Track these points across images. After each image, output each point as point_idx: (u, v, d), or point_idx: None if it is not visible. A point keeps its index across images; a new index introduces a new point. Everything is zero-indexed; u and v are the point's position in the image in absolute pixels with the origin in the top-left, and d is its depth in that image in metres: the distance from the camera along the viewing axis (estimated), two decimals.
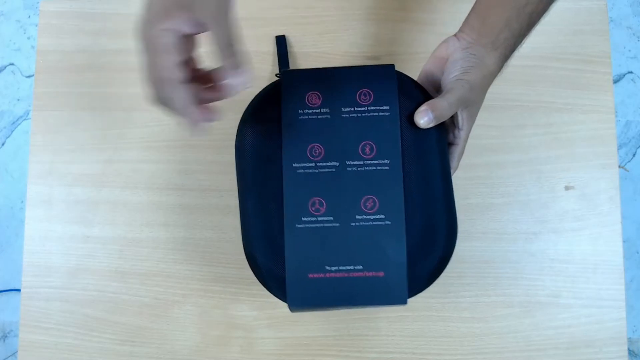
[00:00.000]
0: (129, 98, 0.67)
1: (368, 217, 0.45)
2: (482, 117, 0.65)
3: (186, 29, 0.36)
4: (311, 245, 0.45)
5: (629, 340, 1.32)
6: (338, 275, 0.45)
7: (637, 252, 1.34)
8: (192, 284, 0.64)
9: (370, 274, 0.45)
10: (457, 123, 0.48)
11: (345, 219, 0.45)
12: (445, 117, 0.46)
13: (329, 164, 0.46)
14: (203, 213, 0.64)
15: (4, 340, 1.34)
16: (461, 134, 0.49)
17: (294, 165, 0.46)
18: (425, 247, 0.46)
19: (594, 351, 0.62)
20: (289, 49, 0.67)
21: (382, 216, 0.45)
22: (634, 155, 1.37)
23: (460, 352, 0.62)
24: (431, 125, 0.46)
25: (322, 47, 0.67)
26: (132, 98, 0.67)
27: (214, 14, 0.36)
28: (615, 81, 1.37)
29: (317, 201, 0.46)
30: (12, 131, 1.40)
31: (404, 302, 0.45)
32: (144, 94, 0.39)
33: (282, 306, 0.63)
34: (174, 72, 0.36)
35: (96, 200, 0.65)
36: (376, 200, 0.45)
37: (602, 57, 0.66)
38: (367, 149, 0.46)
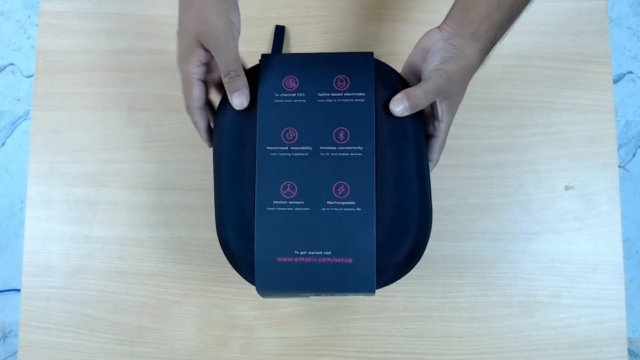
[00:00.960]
0: (129, 98, 0.67)
1: (339, 202, 0.45)
2: (482, 117, 0.65)
3: (203, 59, 0.47)
4: (281, 229, 0.45)
5: (629, 340, 1.32)
6: (307, 260, 0.45)
7: (637, 252, 1.35)
8: (192, 284, 0.64)
9: (339, 260, 0.45)
10: (437, 115, 0.48)
11: (316, 203, 0.45)
12: (421, 106, 0.46)
13: (302, 148, 0.46)
14: (203, 213, 0.64)
15: (4, 340, 1.34)
16: (441, 126, 0.48)
17: (267, 148, 0.46)
18: (396, 236, 0.45)
19: (594, 351, 0.62)
20: (289, 49, 0.67)
21: (353, 202, 0.45)
22: (634, 155, 1.37)
23: (460, 352, 0.62)
24: (406, 113, 0.45)
25: (322, 47, 0.67)
26: (132, 98, 0.67)
27: (212, 47, 0.45)
28: (615, 81, 1.38)
29: (289, 185, 0.45)
30: (12, 131, 1.40)
31: (372, 291, 0.45)
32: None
33: (282, 306, 0.63)
34: (198, 101, 0.48)
35: (96, 200, 0.65)
36: (347, 187, 0.45)
37: (602, 57, 0.66)
38: (341, 135, 0.46)
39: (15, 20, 1.44)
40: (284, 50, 0.67)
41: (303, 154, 0.46)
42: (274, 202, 0.45)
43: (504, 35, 0.48)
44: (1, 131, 1.40)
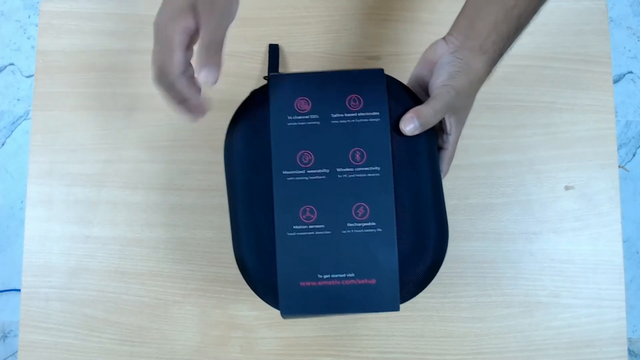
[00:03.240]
0: (129, 98, 0.67)
1: (359, 224, 0.45)
2: (482, 117, 0.65)
3: (193, 26, 0.43)
4: (303, 254, 0.45)
5: (629, 340, 1.32)
6: (330, 283, 0.45)
7: (637, 252, 1.35)
8: (192, 284, 0.64)
9: (362, 281, 0.45)
10: (445, 128, 0.48)
11: (336, 227, 0.45)
12: (430, 124, 0.46)
13: (319, 171, 0.45)
14: (203, 213, 0.64)
15: (4, 340, 1.34)
16: (450, 138, 0.49)
17: (284, 172, 0.45)
18: (417, 253, 0.45)
19: (594, 351, 0.62)
20: (289, 49, 0.67)
21: (374, 224, 0.45)
22: (634, 155, 1.37)
23: (460, 352, 0.62)
24: (417, 132, 0.45)
25: (322, 47, 0.67)
26: (132, 98, 0.67)
27: (206, 17, 0.42)
28: (615, 81, 1.37)
29: (308, 209, 0.45)
30: (12, 131, 1.40)
31: (397, 309, 0.45)
32: (151, 76, 0.44)
33: None
34: (180, 65, 0.43)
35: (96, 200, 0.65)
36: (367, 208, 0.45)
37: (602, 57, 0.66)
38: (358, 156, 0.46)
39: (15, 20, 1.44)
40: (281, 63, 0.66)
41: (320, 177, 0.45)
42: (294, 227, 0.45)
43: (511, 46, 0.48)
44: (1, 131, 1.40)
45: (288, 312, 0.45)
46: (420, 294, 0.62)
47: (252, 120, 0.47)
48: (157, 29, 0.44)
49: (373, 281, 0.45)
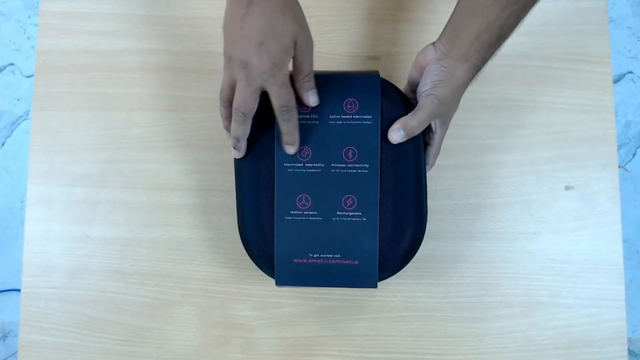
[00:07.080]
0: (129, 98, 0.67)
1: (347, 213, 0.51)
2: (482, 117, 0.65)
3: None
4: (297, 235, 0.52)
5: (629, 340, 1.32)
6: (319, 261, 0.52)
7: (637, 252, 1.35)
8: (192, 284, 0.64)
9: (347, 262, 0.52)
10: (432, 128, 0.52)
11: (327, 214, 0.51)
12: (415, 133, 0.50)
13: (315, 165, 0.51)
14: (203, 213, 0.64)
15: (4, 340, 1.34)
16: (435, 136, 0.53)
17: (285, 164, 0.51)
18: (395, 239, 0.52)
19: (594, 351, 0.62)
20: None
21: (360, 213, 0.51)
22: (634, 155, 1.37)
23: (460, 352, 0.62)
24: (403, 140, 0.50)
25: (322, 47, 0.67)
26: (132, 98, 0.67)
27: (306, 49, 0.48)
28: (615, 81, 1.38)
29: (303, 197, 0.52)
30: (12, 131, 1.40)
31: (375, 286, 0.52)
32: (220, 102, 0.50)
33: (282, 306, 0.63)
34: (293, 98, 0.49)
35: (96, 200, 0.65)
36: (355, 199, 0.51)
37: (602, 57, 0.66)
38: (350, 154, 0.51)
39: (15, 20, 1.44)
40: None
41: (316, 170, 0.51)
42: (290, 212, 0.51)
43: (494, 54, 0.50)
44: (1, 131, 1.40)
45: (282, 283, 0.52)
46: (420, 294, 0.63)
47: (259, 116, 0.50)
48: (272, 71, 0.46)
49: (356, 262, 0.52)
